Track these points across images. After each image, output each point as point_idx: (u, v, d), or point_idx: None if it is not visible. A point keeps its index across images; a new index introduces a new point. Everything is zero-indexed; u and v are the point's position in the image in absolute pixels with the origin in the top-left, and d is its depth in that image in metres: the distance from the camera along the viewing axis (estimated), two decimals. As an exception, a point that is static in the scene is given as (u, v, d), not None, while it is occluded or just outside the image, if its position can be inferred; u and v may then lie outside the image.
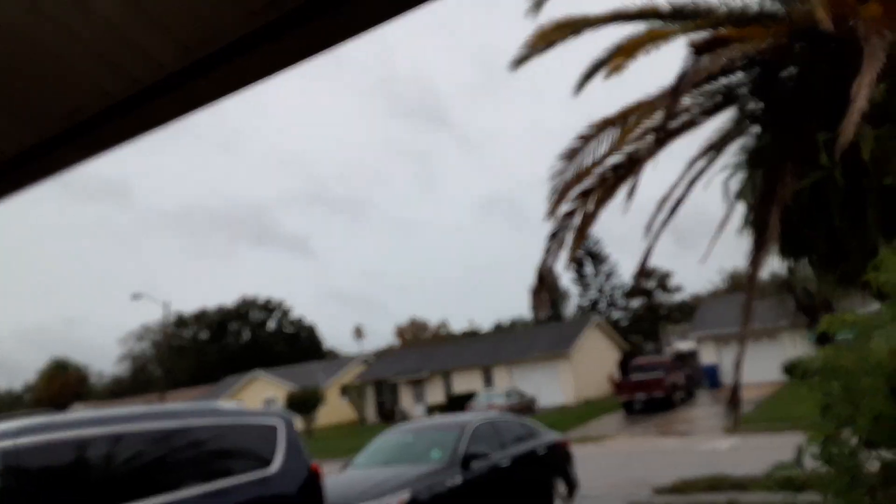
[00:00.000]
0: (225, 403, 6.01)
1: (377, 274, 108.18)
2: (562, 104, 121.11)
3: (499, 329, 73.46)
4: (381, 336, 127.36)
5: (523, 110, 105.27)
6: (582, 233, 8.53)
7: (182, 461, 4.95)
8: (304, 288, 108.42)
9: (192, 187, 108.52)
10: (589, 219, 8.50)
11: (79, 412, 5.15)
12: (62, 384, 51.43)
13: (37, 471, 4.17)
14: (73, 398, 51.15)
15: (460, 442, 8.38)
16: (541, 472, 9.62)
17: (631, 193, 8.44)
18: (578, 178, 8.37)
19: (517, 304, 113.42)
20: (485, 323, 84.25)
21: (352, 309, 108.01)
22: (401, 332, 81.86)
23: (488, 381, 39.78)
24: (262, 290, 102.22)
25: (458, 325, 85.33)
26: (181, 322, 72.92)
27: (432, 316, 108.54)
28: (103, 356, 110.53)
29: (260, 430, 5.62)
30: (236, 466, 5.26)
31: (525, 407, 32.36)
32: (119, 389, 71.02)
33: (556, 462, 10.06)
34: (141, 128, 1.98)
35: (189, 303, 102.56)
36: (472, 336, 63.82)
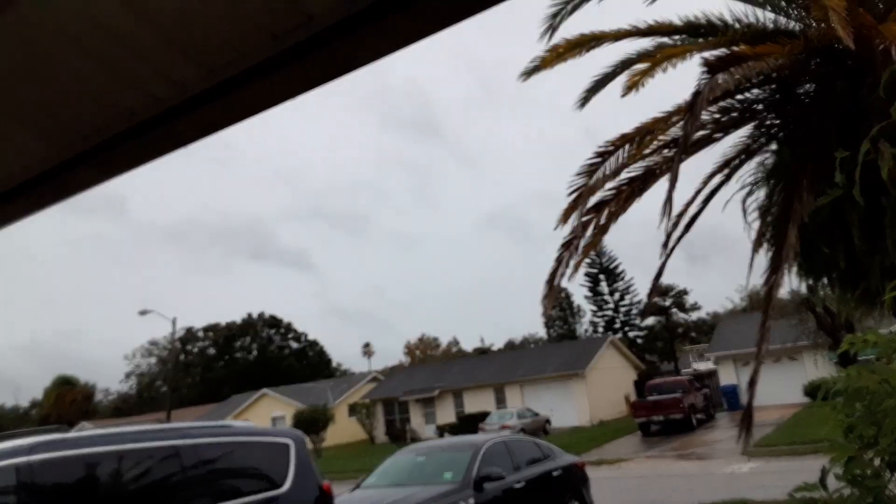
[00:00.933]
0: (236, 422, 6.05)
1: (381, 289, 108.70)
2: (562, 117, 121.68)
3: (511, 347, 73.17)
4: (390, 353, 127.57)
5: (521, 124, 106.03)
6: (595, 243, 8.60)
7: (193, 479, 4.98)
8: (306, 304, 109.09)
9: (187, 202, 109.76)
10: (602, 230, 8.54)
11: (89, 430, 5.20)
12: (70, 401, 51.71)
13: (50, 487, 4.21)
14: (79, 415, 51.35)
15: (473, 463, 8.36)
16: (556, 495, 9.55)
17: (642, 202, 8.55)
18: (592, 190, 8.42)
19: (528, 322, 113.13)
20: (496, 340, 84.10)
21: (356, 325, 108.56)
22: (410, 350, 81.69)
23: (500, 400, 39.56)
24: (263, 306, 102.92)
25: (468, 343, 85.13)
26: (188, 338, 73.23)
27: (441, 333, 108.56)
28: (108, 372, 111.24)
29: (271, 448, 5.66)
30: (247, 485, 5.29)
31: (538, 427, 32.14)
32: (125, 407, 71.23)
33: (572, 484, 9.99)
34: (162, 148, 2.04)
35: (188, 318, 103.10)
36: (483, 354, 63.58)
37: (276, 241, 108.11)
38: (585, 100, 8.98)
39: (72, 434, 4.59)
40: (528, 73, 8.48)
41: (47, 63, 1.71)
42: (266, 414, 46.46)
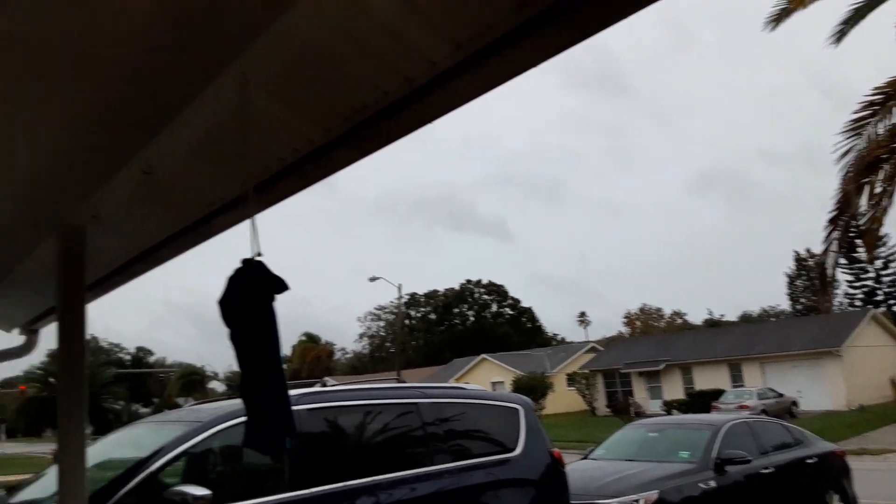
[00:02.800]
0: (468, 384, 6.43)
1: (584, 257, 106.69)
2: (777, 65, 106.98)
3: (747, 320, 67.88)
4: (604, 323, 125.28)
5: (722, 75, 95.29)
6: (877, 218, 7.42)
7: (432, 436, 5.40)
8: (508, 273, 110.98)
9: (387, 176, 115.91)
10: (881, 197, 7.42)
11: (343, 384, 5.87)
12: (314, 358, 58.76)
13: (313, 434, 4.85)
14: (322, 372, 58.06)
15: (713, 443, 8.01)
16: (811, 485, 8.82)
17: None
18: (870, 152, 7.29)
19: (764, 293, 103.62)
20: (727, 312, 78.52)
21: (562, 294, 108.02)
22: (630, 320, 79.63)
23: (737, 378, 37.08)
24: (467, 275, 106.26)
25: (694, 315, 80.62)
26: (410, 303, 78.83)
27: (661, 303, 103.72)
28: (341, 334, 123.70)
29: (502, 412, 5.93)
30: (481, 447, 5.62)
31: (782, 410, 29.62)
32: (359, 365, 79.07)
33: (830, 475, 9.13)
34: (411, 125, 2.20)
35: (407, 285, 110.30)
36: (714, 327, 59.82)
37: (473, 211, 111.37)
38: (841, 33, 7.87)
39: (329, 388, 5.23)
40: (776, 18, 7.65)
41: (319, 52, 1.93)
42: (485, 379, 48.57)
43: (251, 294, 1.83)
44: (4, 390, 50.15)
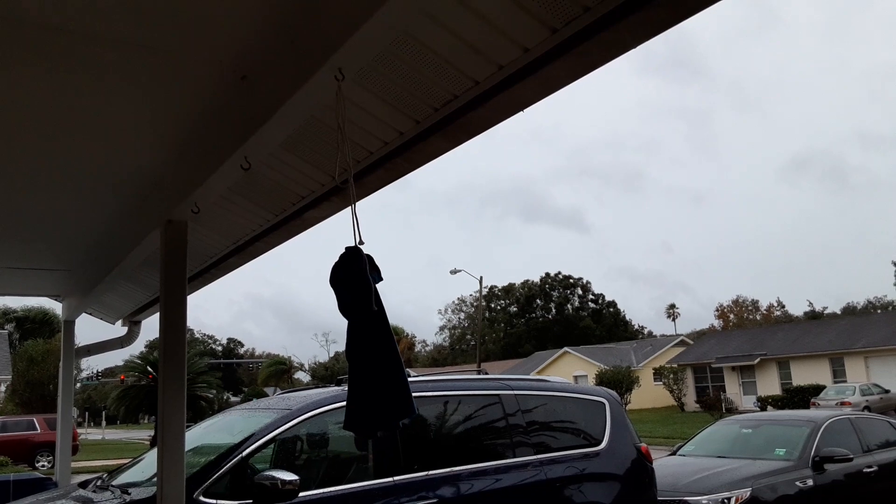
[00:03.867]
0: (551, 377, 6.39)
1: (668, 248, 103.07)
2: (870, 45, 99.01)
3: (851, 312, 64.30)
4: (693, 315, 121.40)
5: (810, 53, 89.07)
6: None
7: (514, 428, 5.41)
8: (587, 264, 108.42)
9: (457, 168, 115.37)
10: None
11: (424, 376, 5.95)
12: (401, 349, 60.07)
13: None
14: (405, 364, 59.08)
15: (812, 440, 7.65)
16: (919, 487, 8.27)
17: None
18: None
19: (869, 283, 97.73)
20: (829, 304, 74.57)
21: (646, 285, 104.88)
22: (722, 313, 76.87)
23: (838, 373, 35.20)
24: (545, 266, 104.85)
25: (794, 307, 77.02)
26: (490, 296, 78.88)
27: (756, 295, 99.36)
28: (421, 326, 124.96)
29: (587, 406, 5.86)
30: (566, 440, 5.58)
31: (888, 407, 27.93)
32: (440, 357, 79.87)
33: (943, 477, 8.54)
34: (503, 114, 2.21)
35: (488, 278, 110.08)
36: (814, 319, 56.98)
37: (547, 203, 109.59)
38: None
39: (412, 378, 5.32)
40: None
41: (411, 43, 1.96)
42: (567, 372, 48.07)
43: (359, 279, 1.87)
44: (105, 379, 53.59)
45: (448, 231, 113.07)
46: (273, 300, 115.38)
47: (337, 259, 1.93)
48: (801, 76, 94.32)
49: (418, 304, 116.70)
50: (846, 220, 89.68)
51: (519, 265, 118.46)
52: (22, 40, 1.91)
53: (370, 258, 1.89)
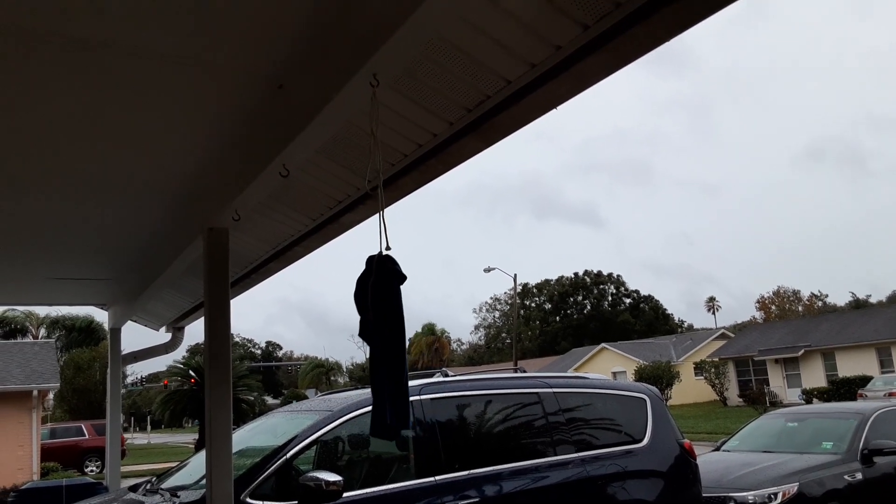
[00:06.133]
0: (591, 374, 6.36)
1: (687, 240, 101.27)
2: (868, 27, 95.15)
3: (897, 300, 62.59)
4: (729, 308, 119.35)
5: (801, 39, 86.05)
6: None
7: (554, 426, 5.40)
8: (608, 258, 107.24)
9: (467, 168, 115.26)
10: None
11: (462, 375, 5.97)
12: (434, 350, 60.13)
13: (435, 422, 4.98)
14: (439, 363, 59.16)
15: (860, 433, 7.48)
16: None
17: None
18: None
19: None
20: (873, 292, 72.62)
21: (668, 279, 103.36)
22: (763, 304, 75.43)
23: (886, 363, 34.26)
24: (563, 262, 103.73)
25: (837, 297, 75.20)
26: (523, 294, 78.63)
27: (797, 285, 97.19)
28: (456, 325, 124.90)
29: (628, 402, 5.82)
30: (606, 437, 5.55)
31: (941, 398, 27.08)
32: (475, 356, 79.84)
33: None
34: (536, 112, 2.22)
35: (523, 275, 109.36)
36: (859, 309, 55.55)
37: (558, 198, 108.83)
38: None
39: (450, 378, 5.34)
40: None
41: (443, 46, 1.99)
42: (605, 368, 47.63)
43: (381, 285, 1.91)
44: (150, 384, 54.77)
45: (463, 231, 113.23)
46: (301, 304, 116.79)
47: (364, 272, 1.95)
48: (796, 62, 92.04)
49: (441, 304, 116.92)
50: (871, 206, 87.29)
51: (540, 262, 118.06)
52: (68, 57, 1.98)
53: (392, 259, 1.91)
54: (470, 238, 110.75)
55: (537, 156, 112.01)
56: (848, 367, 35.19)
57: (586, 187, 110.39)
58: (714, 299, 79.44)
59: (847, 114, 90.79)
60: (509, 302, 71.77)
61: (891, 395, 25.19)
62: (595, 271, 78.91)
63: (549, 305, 79.94)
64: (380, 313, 1.91)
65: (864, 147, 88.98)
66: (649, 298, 78.37)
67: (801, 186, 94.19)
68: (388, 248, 1.95)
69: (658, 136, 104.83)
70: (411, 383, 5.23)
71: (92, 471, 22.34)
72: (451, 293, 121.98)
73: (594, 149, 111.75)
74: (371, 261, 1.94)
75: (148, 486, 5.12)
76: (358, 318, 1.99)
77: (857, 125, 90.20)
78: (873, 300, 65.57)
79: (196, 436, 32.76)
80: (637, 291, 78.88)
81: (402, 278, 1.91)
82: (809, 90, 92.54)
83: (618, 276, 78.82)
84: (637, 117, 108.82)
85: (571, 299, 78.73)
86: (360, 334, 1.98)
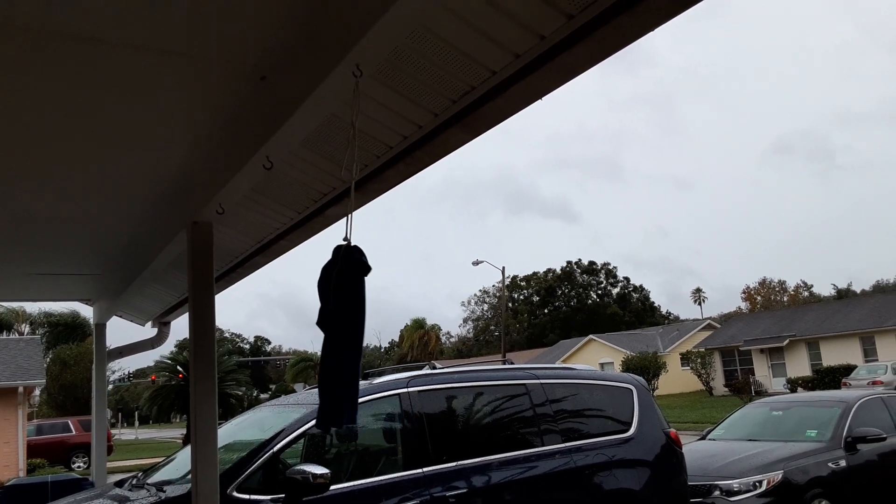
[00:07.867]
0: (578, 365, 6.39)
1: (663, 234, 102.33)
2: (827, 22, 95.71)
3: (881, 290, 63.30)
4: (714, 299, 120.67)
5: (756, 36, 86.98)
6: None
7: (542, 417, 5.42)
8: (586, 252, 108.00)
9: (439, 163, 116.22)
10: None
11: (442, 368, 5.97)
12: (424, 343, 60.26)
13: (422, 415, 4.99)
14: (428, 356, 59.25)
15: (844, 420, 7.56)
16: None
17: None
18: None
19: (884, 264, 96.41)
20: (854, 283, 73.59)
21: (647, 272, 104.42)
22: (749, 295, 76.10)
23: (869, 352, 34.67)
24: (544, 255, 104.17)
25: (821, 288, 76.07)
26: (511, 287, 78.85)
27: (780, 276, 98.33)
28: (445, 318, 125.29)
29: (614, 392, 5.85)
30: (593, 427, 5.58)
31: (923, 386, 27.46)
32: (464, 349, 80.00)
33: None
34: (521, 103, 2.20)
35: (511, 268, 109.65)
36: (842, 299, 56.15)
37: (531, 192, 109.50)
38: None
39: (437, 370, 5.35)
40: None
41: (427, 36, 1.96)
42: (593, 360, 47.86)
43: (346, 274, 1.87)
44: (137, 380, 54.51)
45: (439, 226, 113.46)
46: (282, 299, 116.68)
47: (329, 260, 1.92)
48: (758, 57, 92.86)
49: (421, 299, 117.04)
50: (843, 201, 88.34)
51: (519, 256, 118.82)
52: (50, 51, 1.95)
53: (359, 250, 1.88)
54: (447, 233, 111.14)
55: (506, 151, 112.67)
56: (832, 356, 35.59)
57: (558, 182, 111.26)
58: (700, 290, 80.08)
59: (814, 110, 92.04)
60: (497, 295, 71.93)
61: (874, 383, 25.51)
62: (586, 262, 79.25)
63: (537, 298, 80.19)
64: (340, 302, 1.88)
65: (832, 142, 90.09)
66: (640, 288, 78.91)
67: (772, 181, 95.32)
68: (345, 240, 1.92)
69: (624, 132, 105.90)
70: (399, 376, 5.25)
71: (79, 467, 22.21)
72: (432, 288, 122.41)
73: (561, 145, 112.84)
74: (338, 250, 1.91)
75: (134, 482, 5.09)
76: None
77: (825, 120, 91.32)
78: (858, 290, 66.35)
79: (184, 431, 32.64)
80: (627, 278, 79.54)
81: (367, 269, 1.88)
82: (774, 85, 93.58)
83: (606, 264, 79.32)
84: (600, 115, 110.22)
85: (559, 291, 79.03)
86: (318, 322, 1.94)
